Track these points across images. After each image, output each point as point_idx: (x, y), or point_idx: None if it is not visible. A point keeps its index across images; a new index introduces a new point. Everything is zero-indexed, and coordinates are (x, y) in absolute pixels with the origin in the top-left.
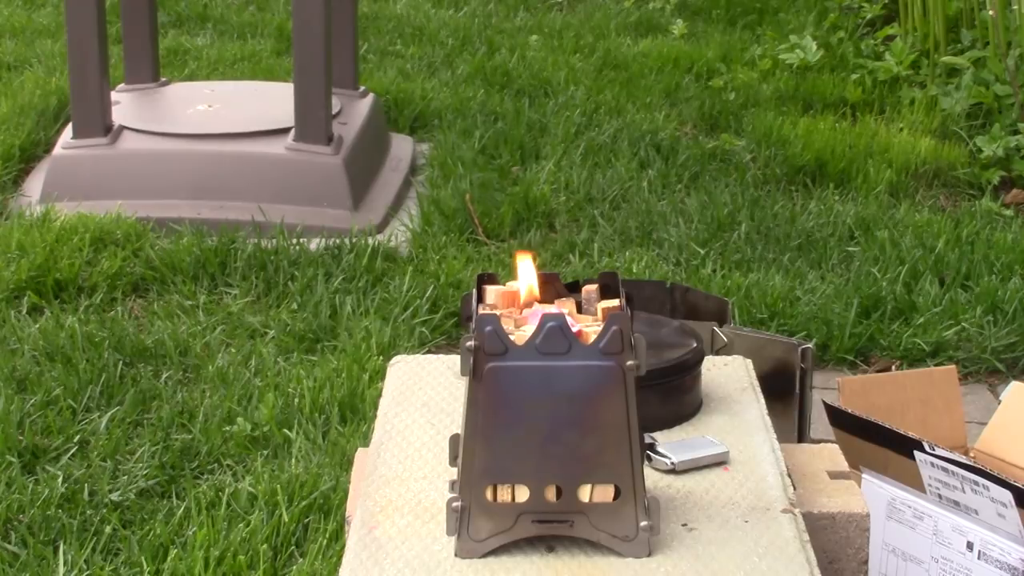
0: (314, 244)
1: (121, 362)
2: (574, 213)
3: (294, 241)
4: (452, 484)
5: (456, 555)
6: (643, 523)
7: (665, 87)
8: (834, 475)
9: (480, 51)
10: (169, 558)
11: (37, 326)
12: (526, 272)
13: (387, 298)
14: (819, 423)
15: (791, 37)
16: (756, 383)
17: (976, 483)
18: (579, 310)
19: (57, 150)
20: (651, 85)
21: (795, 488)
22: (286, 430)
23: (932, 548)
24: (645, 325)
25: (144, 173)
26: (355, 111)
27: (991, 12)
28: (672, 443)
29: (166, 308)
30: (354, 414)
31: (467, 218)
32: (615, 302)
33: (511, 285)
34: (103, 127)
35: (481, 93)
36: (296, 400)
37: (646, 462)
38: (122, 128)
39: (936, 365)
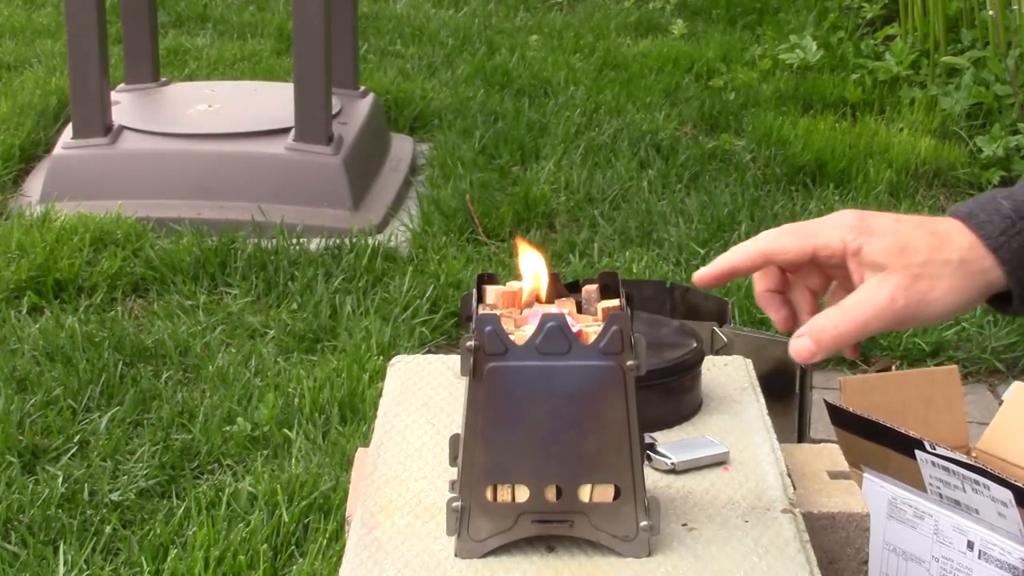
0: (314, 244)
1: (121, 362)
2: (574, 213)
3: (294, 241)
4: (452, 484)
5: (456, 555)
6: (643, 523)
7: (665, 87)
8: (834, 475)
9: (480, 51)
10: (169, 558)
11: (37, 326)
12: (532, 265)
13: (387, 298)
14: (819, 423)
15: (791, 37)
16: (756, 383)
17: (976, 482)
18: (579, 310)
19: (57, 150)
20: (651, 85)
21: (795, 488)
22: (286, 430)
23: (933, 547)
24: (645, 325)
25: (144, 173)
26: (355, 111)
27: (991, 12)
28: (672, 443)
29: (166, 308)
30: (354, 414)
31: (467, 218)
32: (615, 302)
33: (511, 285)
34: (103, 127)
35: (481, 93)
36: (296, 400)
37: (646, 462)
38: (122, 128)
39: (936, 365)
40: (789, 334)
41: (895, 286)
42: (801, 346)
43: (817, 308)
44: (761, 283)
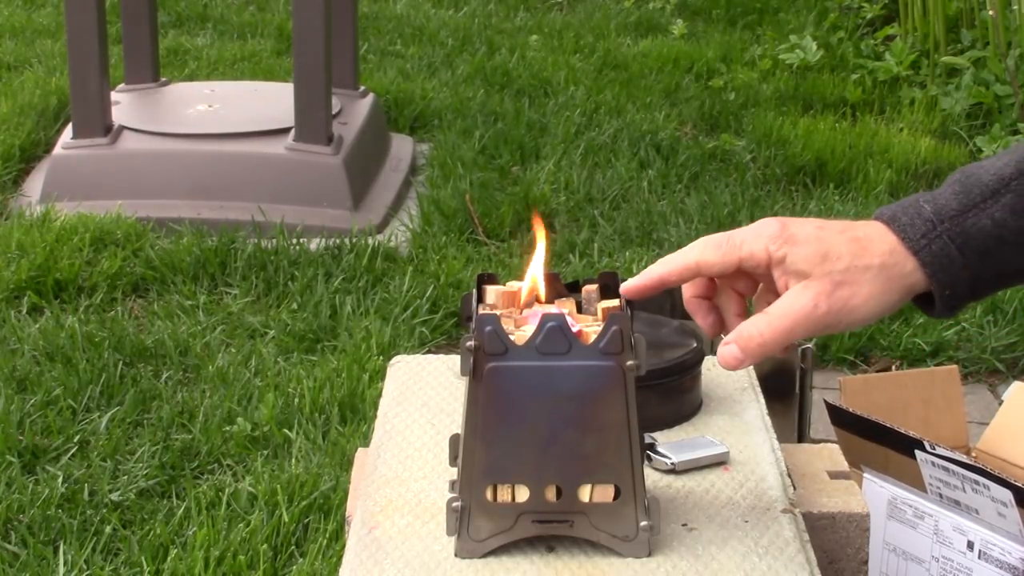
0: (314, 244)
1: (121, 362)
2: (574, 213)
3: (294, 241)
4: (452, 484)
5: (456, 555)
6: (643, 523)
7: (665, 87)
8: (834, 475)
9: (480, 51)
10: (169, 558)
11: (37, 326)
12: (536, 264)
13: (387, 298)
14: (819, 423)
15: (791, 37)
16: (756, 383)
17: (976, 482)
18: (579, 310)
19: (57, 150)
20: (651, 85)
21: (795, 488)
22: (286, 430)
23: (933, 547)
24: (645, 325)
25: (144, 173)
26: (355, 111)
27: (991, 12)
28: (672, 443)
29: (166, 308)
30: (354, 414)
31: (467, 218)
32: (615, 302)
33: (511, 285)
34: (103, 127)
35: (481, 93)
36: (296, 400)
37: (646, 462)
38: (122, 128)
39: (936, 365)
40: (715, 339)
41: (817, 293)
42: (728, 353)
43: (745, 310)
44: (689, 290)
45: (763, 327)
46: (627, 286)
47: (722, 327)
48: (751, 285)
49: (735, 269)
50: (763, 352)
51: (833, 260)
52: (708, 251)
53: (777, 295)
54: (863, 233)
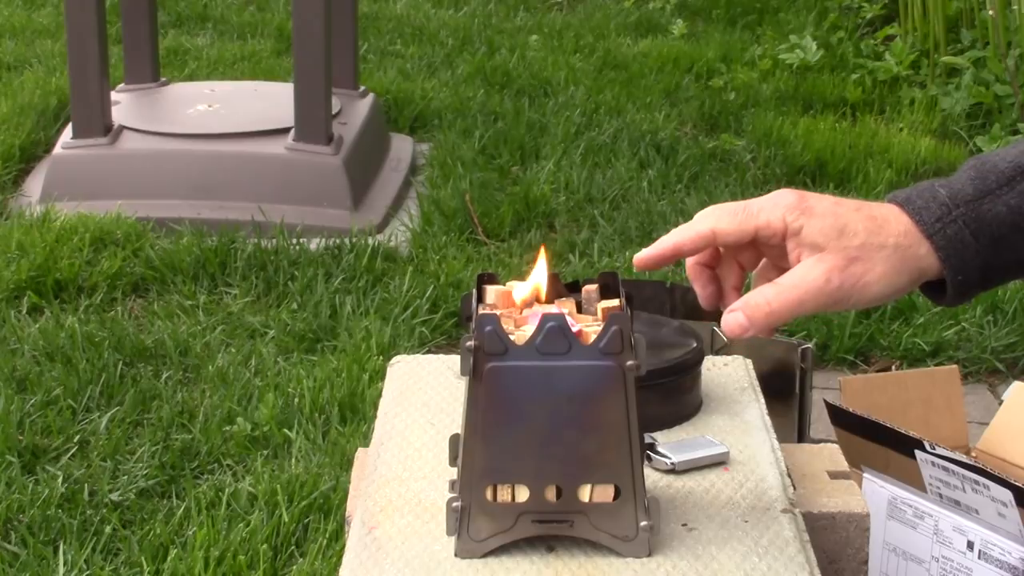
0: (314, 244)
1: (121, 362)
2: (574, 213)
3: (294, 241)
4: (452, 484)
5: (456, 555)
6: (643, 523)
7: (665, 87)
8: (834, 475)
9: (480, 51)
10: (169, 558)
11: (37, 326)
12: (538, 272)
13: (387, 298)
14: (819, 423)
15: (791, 37)
16: (756, 383)
17: (976, 482)
18: (579, 310)
19: (57, 150)
20: (651, 85)
21: (795, 488)
22: (286, 430)
23: (933, 547)
24: (645, 325)
25: (144, 173)
26: (355, 111)
27: (991, 12)
28: (672, 443)
29: (166, 308)
30: (354, 414)
31: (467, 218)
32: (615, 302)
33: (511, 285)
34: (103, 127)
35: (481, 93)
36: (296, 400)
37: (646, 462)
38: (122, 128)
39: (936, 365)
40: (713, 311)
41: (831, 267)
42: (734, 321)
43: (743, 283)
44: (694, 256)
45: (772, 297)
46: (641, 256)
47: (720, 299)
48: (755, 258)
49: (750, 239)
50: (769, 322)
51: (849, 236)
52: (724, 219)
53: (780, 271)
54: (879, 213)
